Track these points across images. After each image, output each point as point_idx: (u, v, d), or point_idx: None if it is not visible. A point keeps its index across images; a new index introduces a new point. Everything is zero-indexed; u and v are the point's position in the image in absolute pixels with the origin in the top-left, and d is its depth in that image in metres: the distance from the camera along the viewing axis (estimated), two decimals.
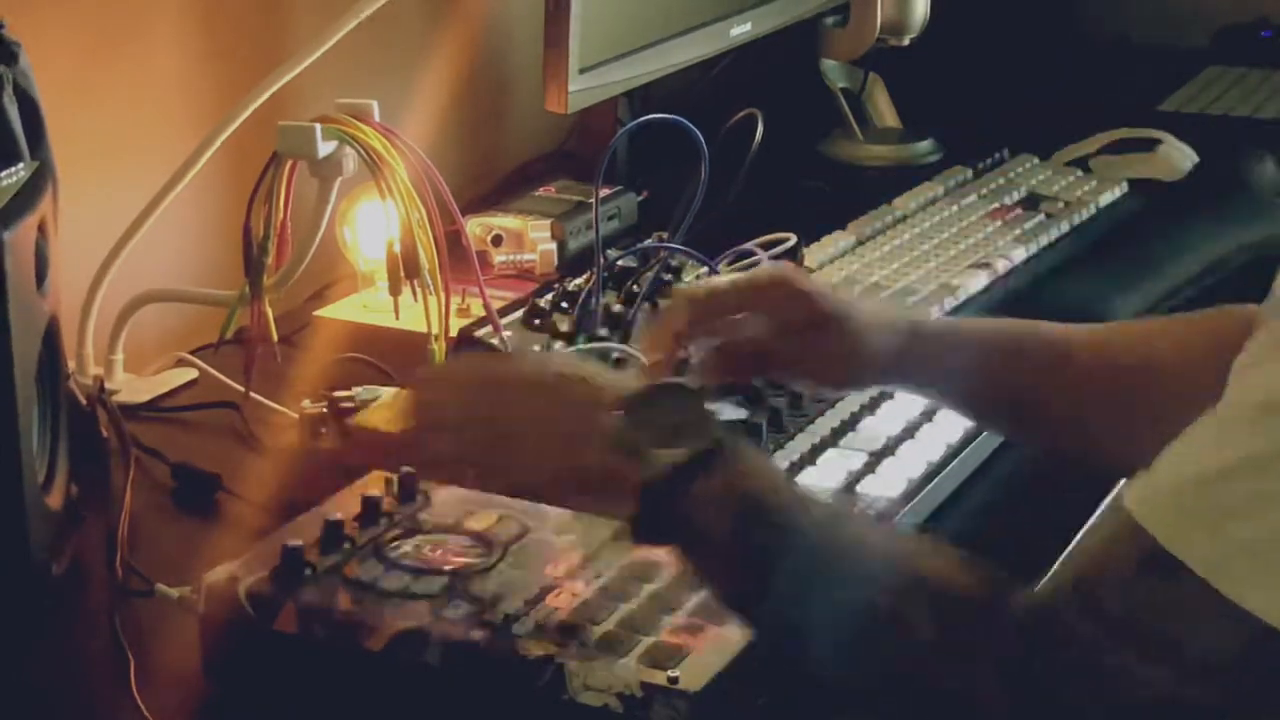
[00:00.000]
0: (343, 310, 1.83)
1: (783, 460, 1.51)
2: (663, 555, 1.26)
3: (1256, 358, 1.04)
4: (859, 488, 1.47)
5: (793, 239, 1.81)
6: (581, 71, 1.89)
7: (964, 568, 1.06)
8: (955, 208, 2.10)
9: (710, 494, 1.10)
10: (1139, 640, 0.99)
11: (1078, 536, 1.29)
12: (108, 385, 1.64)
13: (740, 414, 1.48)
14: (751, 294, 1.38)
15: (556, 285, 1.72)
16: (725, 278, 1.52)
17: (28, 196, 1.33)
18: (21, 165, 1.38)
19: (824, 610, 1.05)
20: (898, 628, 1.04)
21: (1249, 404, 1.01)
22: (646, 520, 1.12)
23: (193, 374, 1.74)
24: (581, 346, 1.60)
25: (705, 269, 1.68)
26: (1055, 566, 1.02)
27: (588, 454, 1.14)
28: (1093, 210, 2.12)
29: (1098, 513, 1.37)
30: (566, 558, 1.27)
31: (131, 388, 1.71)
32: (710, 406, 1.15)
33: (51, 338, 1.37)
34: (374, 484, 1.35)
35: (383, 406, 1.53)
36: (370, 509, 1.31)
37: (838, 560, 1.07)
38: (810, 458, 1.52)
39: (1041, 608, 1.02)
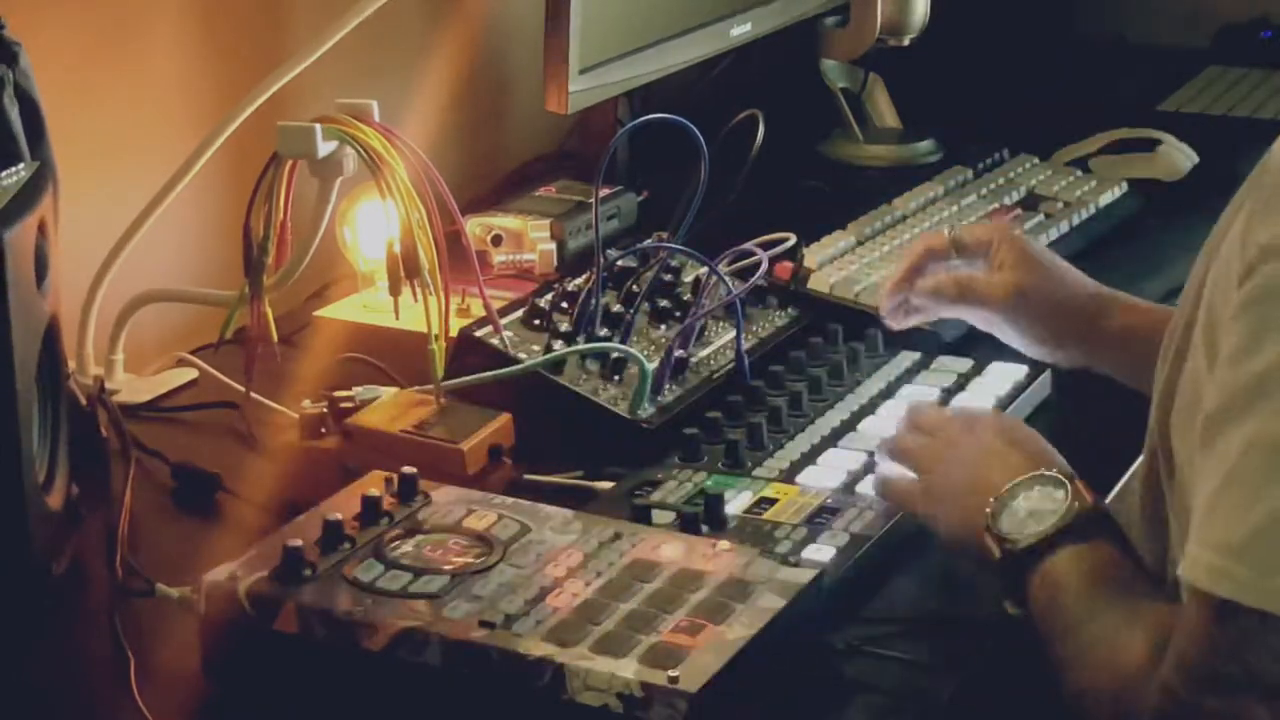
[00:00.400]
0: (343, 310, 1.83)
1: (783, 460, 1.52)
2: (663, 556, 1.27)
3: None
4: (859, 488, 1.47)
5: (793, 239, 1.81)
6: (581, 72, 1.89)
7: (1155, 646, 1.17)
8: (955, 208, 2.10)
9: (1044, 576, 1.26)
10: (1264, 692, 1.11)
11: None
12: (108, 385, 1.64)
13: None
14: (974, 242, 1.65)
15: (556, 285, 1.72)
16: (951, 230, 1.71)
17: (28, 196, 1.33)
18: (22, 165, 1.38)
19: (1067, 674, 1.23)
20: (1095, 706, 1.20)
21: (1258, 448, 1.10)
22: (1005, 588, 1.28)
23: (193, 374, 1.74)
24: (582, 347, 1.60)
25: (705, 269, 1.68)
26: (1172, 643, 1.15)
27: (973, 526, 1.32)
28: (1092, 210, 2.12)
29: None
30: (566, 558, 1.27)
31: (131, 388, 1.71)
32: (1070, 494, 1.29)
33: (51, 338, 1.37)
34: (374, 484, 1.35)
35: (382, 406, 1.53)
36: (370, 509, 1.31)
37: (1080, 646, 1.22)
38: (810, 457, 1.52)
39: (1170, 693, 1.14)
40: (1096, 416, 1.62)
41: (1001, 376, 1.67)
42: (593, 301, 1.64)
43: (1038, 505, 1.29)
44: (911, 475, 1.42)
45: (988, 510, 1.30)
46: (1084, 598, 1.23)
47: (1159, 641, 1.15)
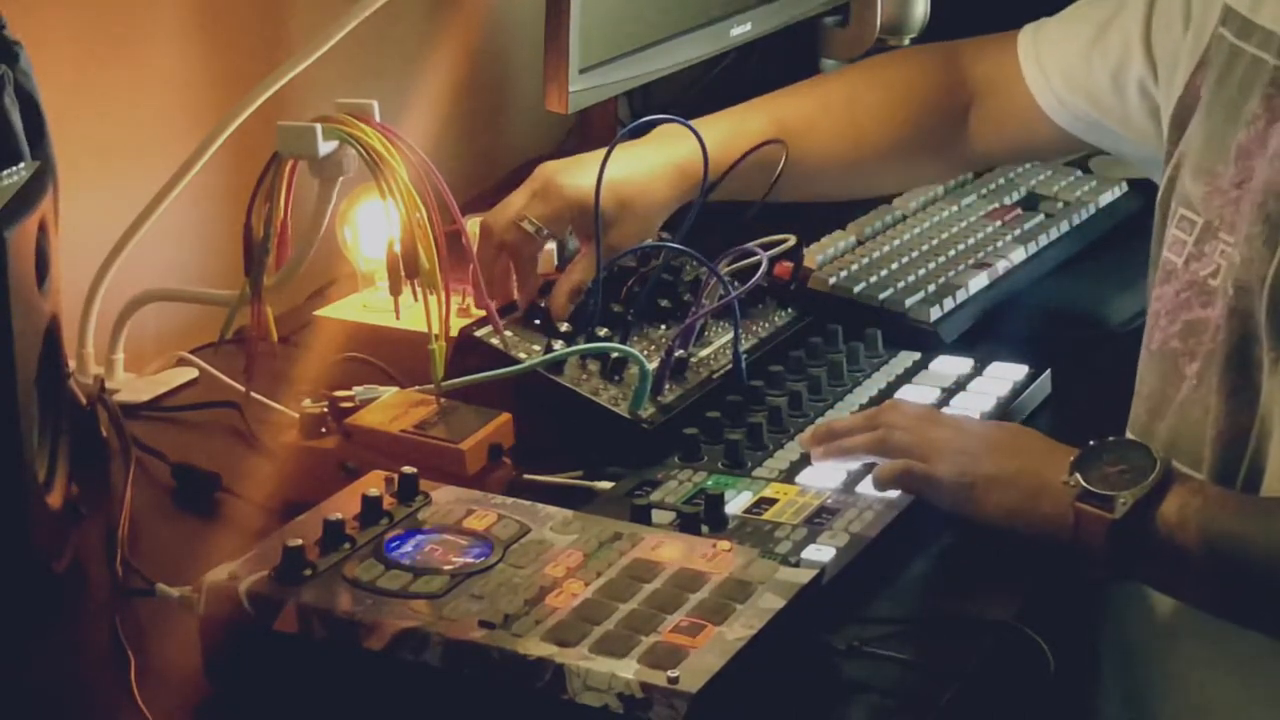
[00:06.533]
0: (343, 310, 1.83)
1: (783, 460, 1.52)
2: (663, 556, 1.27)
3: None
4: (859, 488, 1.47)
5: (793, 239, 1.81)
6: (581, 71, 1.89)
7: None
8: (955, 208, 2.10)
9: (1172, 514, 1.32)
10: None
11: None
12: (108, 385, 1.64)
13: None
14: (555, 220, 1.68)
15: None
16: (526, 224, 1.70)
17: (29, 196, 1.33)
18: (22, 164, 1.38)
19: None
20: None
21: None
22: (1122, 551, 1.33)
23: (193, 373, 1.74)
24: (582, 347, 1.60)
25: (705, 269, 1.68)
26: None
27: (1045, 505, 1.37)
28: (1092, 210, 2.12)
29: None
30: (566, 558, 1.27)
31: (132, 387, 1.71)
32: (1124, 443, 1.40)
33: (52, 337, 1.37)
34: (374, 484, 1.35)
35: (382, 406, 1.53)
36: (370, 509, 1.31)
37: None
38: (810, 458, 1.52)
39: None
40: (1096, 416, 1.62)
41: (1001, 376, 1.68)
42: (593, 301, 1.64)
43: (1122, 464, 1.33)
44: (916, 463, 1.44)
45: (1068, 480, 1.34)
46: (1245, 501, 1.31)
47: None
